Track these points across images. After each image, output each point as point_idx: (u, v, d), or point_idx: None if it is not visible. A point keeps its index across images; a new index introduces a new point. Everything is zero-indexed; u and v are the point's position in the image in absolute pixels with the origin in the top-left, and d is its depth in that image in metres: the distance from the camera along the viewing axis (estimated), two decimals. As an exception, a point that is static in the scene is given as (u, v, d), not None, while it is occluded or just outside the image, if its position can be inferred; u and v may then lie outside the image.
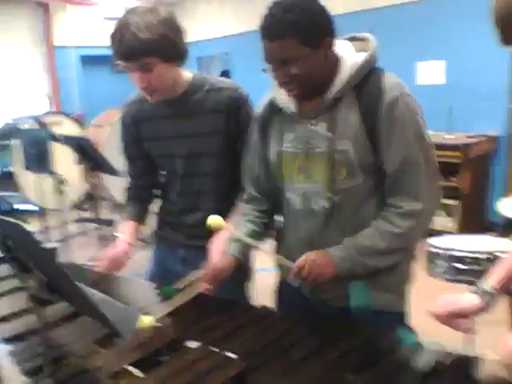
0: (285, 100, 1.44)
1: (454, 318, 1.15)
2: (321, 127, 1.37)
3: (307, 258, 1.37)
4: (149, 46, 1.51)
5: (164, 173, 1.91)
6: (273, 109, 1.49)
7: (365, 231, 1.38)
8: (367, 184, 1.38)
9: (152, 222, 2.01)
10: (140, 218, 1.95)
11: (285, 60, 1.29)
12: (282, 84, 1.37)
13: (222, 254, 1.54)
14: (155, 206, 2.02)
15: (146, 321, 1.29)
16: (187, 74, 1.74)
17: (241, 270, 1.84)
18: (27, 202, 5.84)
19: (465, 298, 1.17)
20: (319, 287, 1.42)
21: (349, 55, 1.37)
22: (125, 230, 1.88)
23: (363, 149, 1.34)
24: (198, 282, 1.51)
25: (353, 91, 1.35)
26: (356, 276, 1.39)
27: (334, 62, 1.36)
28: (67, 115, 6.39)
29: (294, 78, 1.31)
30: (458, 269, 2.13)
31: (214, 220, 1.46)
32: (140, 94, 1.73)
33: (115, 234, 1.93)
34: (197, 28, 7.58)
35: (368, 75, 1.34)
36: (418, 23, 5.10)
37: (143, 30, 1.50)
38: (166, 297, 1.56)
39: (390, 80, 1.33)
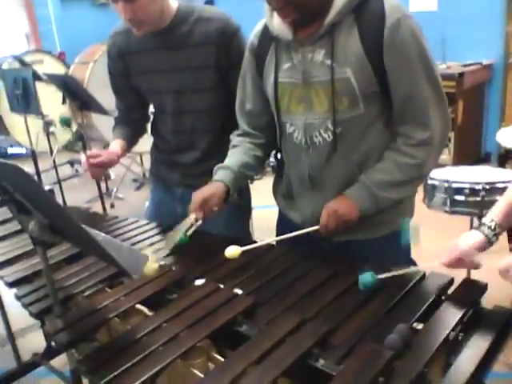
0: (279, 27, 1.35)
1: (462, 261, 1.16)
2: (319, 54, 1.31)
3: (328, 210, 1.35)
4: None
5: (154, 109, 1.85)
6: (266, 37, 1.42)
7: (380, 166, 1.36)
8: (370, 113, 1.34)
9: (145, 162, 1.98)
10: (128, 140, 1.87)
11: None
12: (277, 9, 1.29)
13: (210, 183, 1.50)
14: (147, 145, 1.97)
15: (151, 263, 1.29)
16: (173, 2, 1.64)
17: (242, 206, 1.85)
18: (16, 144, 5.75)
19: (468, 237, 1.18)
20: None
21: None
22: (112, 146, 1.82)
23: (365, 76, 1.28)
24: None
25: (351, 15, 1.28)
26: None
27: None
28: (49, 53, 6.17)
29: (289, 3, 1.24)
30: (456, 200, 2.14)
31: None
32: (125, 25, 1.64)
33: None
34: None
35: None
36: None
37: None
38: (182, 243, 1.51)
39: (390, 2, 1.26)
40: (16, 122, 5.27)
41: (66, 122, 1.43)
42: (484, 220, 1.18)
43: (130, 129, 1.90)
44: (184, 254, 1.49)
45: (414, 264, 1.44)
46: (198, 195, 1.45)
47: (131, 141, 1.90)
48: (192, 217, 1.43)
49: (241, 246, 1.35)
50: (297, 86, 1.36)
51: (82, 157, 1.72)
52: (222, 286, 1.26)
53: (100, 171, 1.77)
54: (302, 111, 1.38)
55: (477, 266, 1.14)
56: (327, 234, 1.37)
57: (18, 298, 1.37)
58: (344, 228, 1.36)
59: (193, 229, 1.44)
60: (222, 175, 1.49)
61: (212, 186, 1.48)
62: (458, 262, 1.16)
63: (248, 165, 1.53)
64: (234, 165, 1.51)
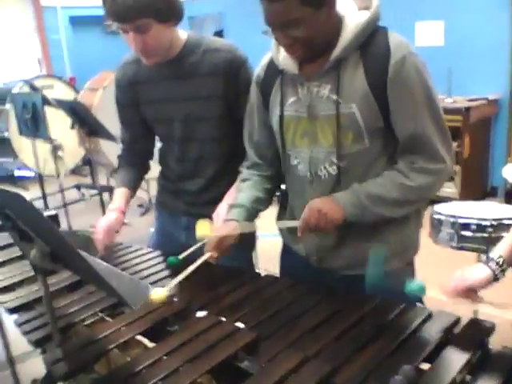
0: (285, 61, 1.37)
1: (464, 293, 1.15)
2: (325, 89, 1.32)
3: (311, 208, 1.33)
4: (144, 7, 1.43)
5: (161, 138, 1.86)
6: (272, 70, 1.43)
7: (376, 180, 1.35)
8: (375, 147, 1.34)
9: (151, 188, 1.98)
10: (132, 185, 1.87)
11: (287, 22, 1.23)
12: (284, 46, 1.31)
13: (224, 220, 1.50)
14: (155, 171, 1.97)
15: (159, 293, 1.28)
16: (182, 33, 1.67)
17: (246, 237, 1.83)
18: (24, 167, 5.78)
19: (474, 271, 1.17)
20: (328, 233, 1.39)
21: (351, 14, 1.31)
22: (116, 198, 1.81)
23: (371, 112, 1.29)
24: (203, 250, 1.48)
25: (357, 51, 1.29)
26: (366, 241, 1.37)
27: (337, 22, 1.29)
28: (59, 78, 6.26)
29: (297, 40, 1.26)
30: (463, 236, 2.12)
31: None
32: (135, 55, 1.66)
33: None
34: (189, -14, 7.36)
35: (372, 34, 1.29)
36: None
37: None
38: (172, 267, 1.54)
39: (396, 39, 1.28)
40: (24, 145, 5.31)
41: (172, 263, 1.45)
42: (492, 255, 1.17)
43: (133, 169, 1.89)
44: (186, 285, 1.48)
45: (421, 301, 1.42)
46: (216, 235, 1.44)
47: (136, 185, 1.89)
48: (207, 255, 1.42)
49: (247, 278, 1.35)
50: (302, 120, 1.37)
51: (97, 236, 1.70)
52: (224, 319, 1.24)
53: (113, 235, 1.75)
54: (306, 145, 1.39)
55: (480, 300, 1.13)
56: (306, 230, 1.34)
57: (18, 324, 1.35)
58: (324, 229, 1.33)
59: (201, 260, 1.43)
60: (235, 214, 1.48)
61: (227, 225, 1.47)
62: (461, 293, 1.14)
63: (260, 199, 1.53)
64: (247, 202, 1.50)
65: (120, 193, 1.83)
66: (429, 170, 1.32)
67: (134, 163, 1.91)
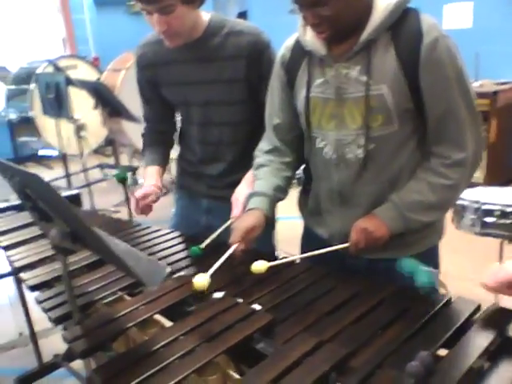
0: (312, 42, 1.34)
1: (504, 287, 1.12)
2: (354, 71, 1.30)
3: (357, 229, 1.34)
4: None
5: (182, 120, 1.85)
6: (299, 51, 1.41)
7: (413, 186, 1.34)
8: (404, 130, 1.32)
9: (172, 169, 1.98)
10: (162, 162, 1.88)
11: (315, 1, 1.20)
12: (312, 26, 1.28)
13: (248, 211, 1.46)
14: (175, 152, 1.98)
15: (201, 280, 1.27)
16: (205, 15, 1.65)
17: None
18: (48, 147, 5.86)
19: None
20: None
21: None
22: (149, 176, 1.83)
23: (400, 94, 1.27)
24: (228, 239, 1.44)
25: (388, 32, 1.26)
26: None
27: (367, 2, 1.26)
28: (83, 58, 6.30)
29: (325, 20, 1.23)
30: (486, 222, 2.09)
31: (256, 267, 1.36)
32: (156, 36, 1.64)
33: (137, 179, 1.89)
34: (213, -34, 7.28)
35: (403, 15, 1.26)
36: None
37: None
38: (194, 256, 1.52)
39: (428, 21, 1.25)
40: (48, 125, 5.39)
41: (195, 252, 1.48)
42: None
43: (160, 148, 1.91)
44: (204, 266, 1.48)
45: (443, 285, 1.40)
46: (241, 226, 1.41)
47: (164, 162, 1.90)
48: (234, 247, 1.40)
49: (266, 261, 1.35)
50: (329, 102, 1.35)
51: (132, 200, 1.74)
52: (240, 301, 1.24)
53: (149, 208, 1.78)
54: (333, 127, 1.37)
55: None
56: (357, 252, 1.36)
57: (39, 302, 1.38)
58: (374, 247, 1.34)
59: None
60: (258, 202, 1.46)
61: (252, 215, 1.44)
62: (502, 287, 1.12)
63: (280, 188, 1.51)
64: (269, 190, 1.48)
65: (152, 171, 1.84)
66: (460, 161, 1.30)
67: (159, 141, 1.92)
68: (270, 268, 1.36)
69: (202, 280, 1.27)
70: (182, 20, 1.51)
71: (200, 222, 1.82)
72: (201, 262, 1.49)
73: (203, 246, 1.52)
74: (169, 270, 1.31)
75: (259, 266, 1.34)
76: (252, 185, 1.54)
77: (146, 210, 1.76)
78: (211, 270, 1.33)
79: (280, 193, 1.51)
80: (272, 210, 1.49)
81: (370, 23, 1.26)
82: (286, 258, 1.47)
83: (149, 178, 1.82)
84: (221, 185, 1.77)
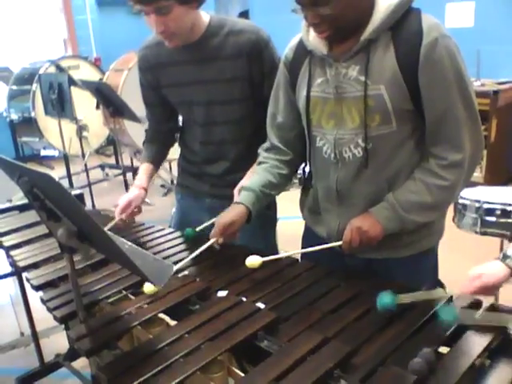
0: (314, 41, 1.36)
1: (483, 290, 1.15)
2: (353, 70, 1.30)
3: (352, 227, 1.35)
4: None
5: (183, 121, 1.87)
6: (301, 51, 1.42)
7: (410, 186, 1.34)
8: (402, 130, 1.32)
9: (173, 169, 2.00)
10: (156, 161, 1.92)
11: (316, 0, 1.20)
12: (313, 25, 1.29)
13: (233, 204, 1.50)
14: (176, 152, 1.99)
15: (151, 286, 1.32)
16: (205, 15, 1.66)
17: (269, 218, 1.84)
18: (49, 147, 5.87)
19: (491, 268, 1.16)
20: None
21: None
22: (139, 174, 1.87)
23: (399, 94, 1.27)
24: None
25: (388, 32, 1.27)
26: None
27: (368, 2, 1.27)
28: (85, 58, 6.31)
29: (326, 19, 1.23)
30: (487, 221, 2.10)
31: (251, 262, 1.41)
32: (157, 37, 1.66)
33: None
34: (214, -34, 7.27)
35: (404, 15, 1.26)
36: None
37: None
38: (186, 238, 1.63)
39: (429, 21, 1.25)
40: (50, 125, 5.40)
41: (188, 234, 1.59)
42: (509, 252, 1.16)
43: (160, 145, 1.94)
44: (208, 265, 1.50)
45: (442, 286, 1.41)
46: (221, 221, 1.46)
47: (160, 160, 1.95)
48: (212, 241, 1.45)
49: (262, 257, 1.38)
50: (328, 101, 1.36)
51: (117, 208, 1.76)
52: (244, 299, 1.26)
53: (134, 213, 1.81)
54: (332, 126, 1.37)
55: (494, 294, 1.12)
56: (349, 250, 1.36)
57: (44, 301, 1.39)
58: (367, 246, 1.35)
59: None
60: (244, 197, 1.50)
61: (233, 210, 1.48)
62: (479, 291, 1.14)
63: (271, 184, 1.53)
64: (257, 186, 1.51)
65: (143, 169, 1.88)
66: (457, 162, 1.30)
67: (159, 139, 1.94)
68: (271, 266, 1.38)
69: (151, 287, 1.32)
70: (180, 21, 1.52)
71: (203, 220, 1.83)
72: (203, 262, 1.50)
73: (198, 229, 1.62)
74: (175, 268, 1.32)
75: (253, 260, 1.39)
76: None
77: (133, 214, 1.80)
78: (181, 264, 1.42)
79: (270, 189, 1.53)
80: (259, 205, 1.51)
81: (370, 23, 1.26)
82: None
83: (138, 178, 1.86)
84: (224, 183, 1.79)
